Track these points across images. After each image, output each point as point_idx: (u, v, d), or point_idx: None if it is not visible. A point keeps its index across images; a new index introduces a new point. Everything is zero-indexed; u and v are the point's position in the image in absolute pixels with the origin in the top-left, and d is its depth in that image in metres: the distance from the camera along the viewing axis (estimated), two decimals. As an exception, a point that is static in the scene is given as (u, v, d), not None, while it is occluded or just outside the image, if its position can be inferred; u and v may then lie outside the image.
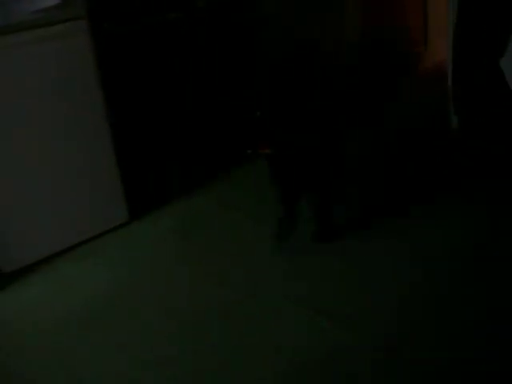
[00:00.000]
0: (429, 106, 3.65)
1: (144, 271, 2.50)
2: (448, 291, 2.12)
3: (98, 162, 2.69)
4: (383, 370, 1.82)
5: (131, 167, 2.88)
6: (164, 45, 3.07)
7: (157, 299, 2.30)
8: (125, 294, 2.35)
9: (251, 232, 2.68)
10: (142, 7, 3.07)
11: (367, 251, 2.41)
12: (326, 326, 2.02)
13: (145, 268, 2.52)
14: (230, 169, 3.29)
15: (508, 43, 2.77)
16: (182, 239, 2.70)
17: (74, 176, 2.63)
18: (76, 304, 2.31)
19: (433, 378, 1.77)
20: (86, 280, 2.48)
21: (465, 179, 2.90)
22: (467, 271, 2.23)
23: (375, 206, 2.72)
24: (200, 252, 2.59)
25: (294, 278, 2.33)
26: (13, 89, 2.37)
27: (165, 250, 2.63)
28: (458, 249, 2.37)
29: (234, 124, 3.44)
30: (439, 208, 2.66)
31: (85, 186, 2.68)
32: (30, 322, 2.24)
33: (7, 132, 2.41)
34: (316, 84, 2.45)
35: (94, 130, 2.64)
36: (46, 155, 2.53)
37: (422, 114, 3.64)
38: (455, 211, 2.61)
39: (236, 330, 2.07)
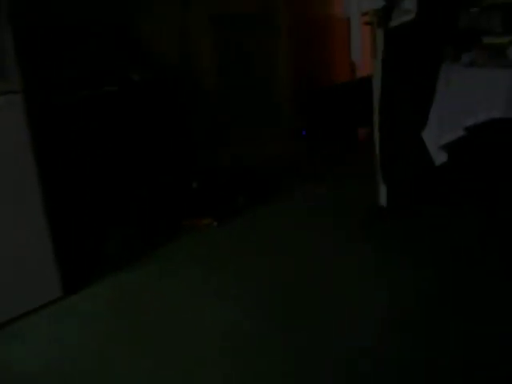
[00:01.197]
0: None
1: (73, 352, 2.37)
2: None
3: (28, 232, 2.59)
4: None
5: (66, 238, 2.81)
6: (100, 117, 3.10)
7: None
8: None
9: (191, 305, 2.65)
10: (79, 81, 3.10)
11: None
12: None
13: (74, 349, 2.39)
14: (168, 240, 3.28)
15: (427, 117, 2.98)
16: (118, 315, 2.63)
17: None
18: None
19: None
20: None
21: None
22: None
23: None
24: (136, 328, 2.50)
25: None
26: None
27: (99, 328, 2.52)
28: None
29: (171, 196, 3.48)
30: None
31: (12, 258, 2.54)
32: None
33: None
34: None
35: (26, 199, 2.56)
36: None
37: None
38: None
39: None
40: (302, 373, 2.11)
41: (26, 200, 2.57)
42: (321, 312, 2.50)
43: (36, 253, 2.64)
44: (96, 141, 3.07)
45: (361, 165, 3.83)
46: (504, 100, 2.59)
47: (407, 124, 3.19)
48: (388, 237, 3.15)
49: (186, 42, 3.95)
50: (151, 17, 3.66)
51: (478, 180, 3.33)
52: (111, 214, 3.14)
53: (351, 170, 4.26)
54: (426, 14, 3.04)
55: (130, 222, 3.24)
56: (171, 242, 3.27)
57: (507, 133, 2.98)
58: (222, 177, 3.85)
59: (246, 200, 3.74)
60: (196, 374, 2.15)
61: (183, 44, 3.94)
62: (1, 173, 2.47)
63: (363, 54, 3.08)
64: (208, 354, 2.27)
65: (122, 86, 3.23)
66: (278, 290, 2.71)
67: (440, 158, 2.89)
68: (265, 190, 3.97)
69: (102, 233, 3.11)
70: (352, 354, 2.17)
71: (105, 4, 3.39)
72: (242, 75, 4.47)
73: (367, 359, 2.14)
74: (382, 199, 3.39)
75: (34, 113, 2.59)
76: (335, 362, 2.14)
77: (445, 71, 2.93)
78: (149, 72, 3.41)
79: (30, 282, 2.63)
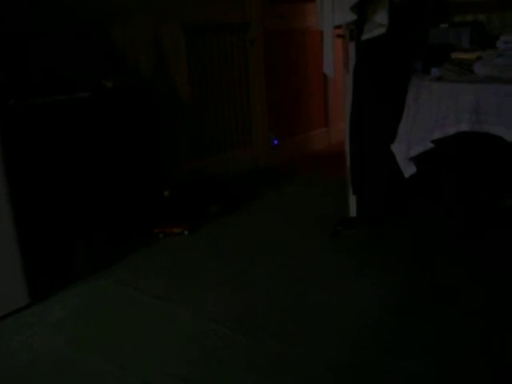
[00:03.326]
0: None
1: (40, 359, 2.32)
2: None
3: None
4: None
5: (34, 245, 2.78)
6: (71, 123, 3.06)
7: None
8: None
9: (159, 314, 2.63)
10: (49, 86, 3.08)
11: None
12: None
13: (41, 355, 2.34)
14: (139, 248, 3.26)
15: (397, 131, 3.02)
16: (86, 322, 2.60)
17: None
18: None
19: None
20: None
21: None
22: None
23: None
24: (104, 335, 2.47)
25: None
26: None
27: (66, 335, 2.48)
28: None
29: (142, 203, 3.46)
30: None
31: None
32: None
33: None
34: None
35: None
36: None
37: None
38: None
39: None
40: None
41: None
42: (300, 319, 2.51)
43: (3, 259, 2.59)
44: (66, 147, 3.04)
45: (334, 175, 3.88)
46: (470, 114, 2.64)
47: (377, 136, 3.24)
48: (358, 244, 3.22)
49: (159, 51, 3.96)
50: (125, 25, 3.66)
51: (447, 191, 3.40)
52: (81, 221, 3.10)
53: (323, 178, 4.31)
54: (397, 29, 3.10)
55: (101, 230, 3.21)
56: (141, 250, 3.26)
57: (475, 146, 3.05)
58: (195, 185, 3.85)
59: (219, 208, 3.75)
60: None
61: (157, 53, 3.94)
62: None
63: (336, 67, 3.13)
64: (179, 363, 2.25)
65: (95, 92, 3.21)
66: (246, 297, 2.70)
67: (409, 169, 2.94)
68: (237, 199, 3.99)
69: (72, 240, 3.07)
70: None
71: (78, 10, 3.38)
72: (216, 84, 4.50)
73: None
74: (352, 210, 3.44)
75: (2, 117, 2.57)
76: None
77: (414, 85, 2.98)
78: (122, 80, 3.40)
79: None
